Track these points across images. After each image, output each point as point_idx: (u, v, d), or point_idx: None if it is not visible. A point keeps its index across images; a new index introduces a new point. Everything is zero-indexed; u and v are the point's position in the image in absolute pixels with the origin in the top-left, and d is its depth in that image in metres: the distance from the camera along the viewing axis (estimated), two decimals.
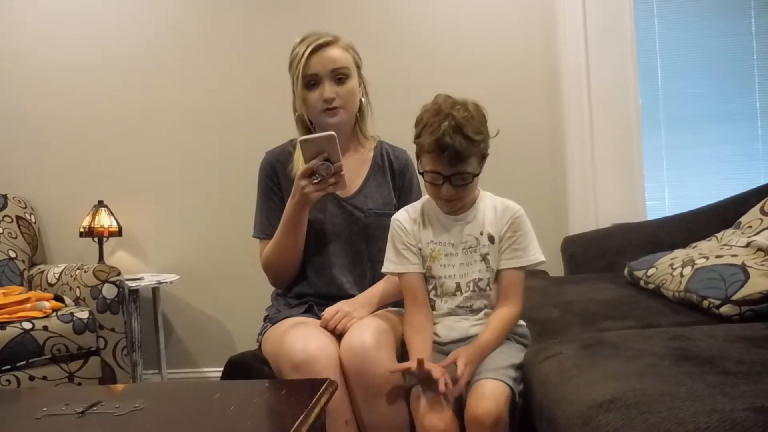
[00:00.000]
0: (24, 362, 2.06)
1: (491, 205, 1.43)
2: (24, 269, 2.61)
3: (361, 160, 1.67)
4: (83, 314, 2.20)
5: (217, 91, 2.82)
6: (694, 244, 1.94)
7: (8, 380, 2.02)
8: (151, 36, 2.85)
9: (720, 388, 0.92)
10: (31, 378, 2.07)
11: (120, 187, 2.84)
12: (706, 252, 1.74)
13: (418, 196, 1.61)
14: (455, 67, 2.69)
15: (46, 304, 2.20)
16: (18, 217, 2.70)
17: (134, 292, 2.58)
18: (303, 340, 1.37)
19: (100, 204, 2.69)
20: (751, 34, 2.69)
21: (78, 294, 2.32)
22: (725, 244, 1.80)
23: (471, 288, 1.41)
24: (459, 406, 1.26)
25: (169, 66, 2.84)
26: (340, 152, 1.45)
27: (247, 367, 1.56)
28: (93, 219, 2.66)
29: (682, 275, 1.67)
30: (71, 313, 2.19)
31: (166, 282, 2.65)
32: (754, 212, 1.87)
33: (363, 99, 1.65)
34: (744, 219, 1.90)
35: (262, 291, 1.75)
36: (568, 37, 2.57)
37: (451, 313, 1.42)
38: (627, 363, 1.10)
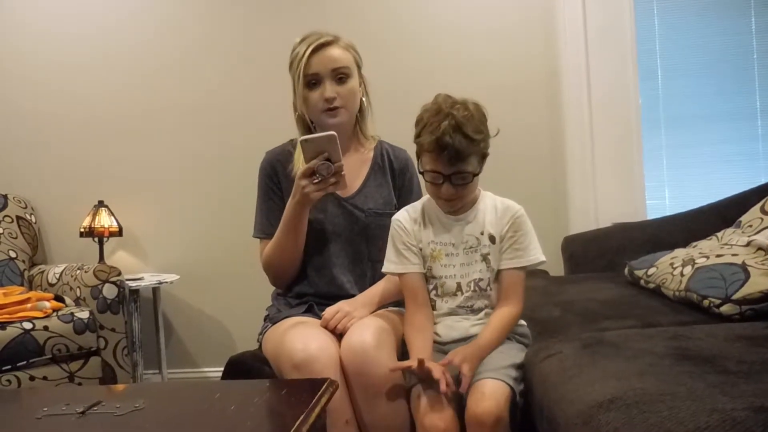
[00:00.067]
0: (24, 362, 2.06)
1: (492, 205, 1.43)
2: (24, 269, 2.61)
3: (361, 159, 1.67)
4: (84, 314, 2.20)
5: (217, 91, 2.82)
6: (694, 244, 1.94)
7: (9, 380, 2.02)
8: (151, 36, 2.85)
9: (720, 387, 0.92)
10: (32, 378, 2.07)
11: (120, 187, 2.84)
12: (707, 251, 1.74)
13: (419, 196, 1.61)
14: (455, 67, 2.69)
15: (47, 304, 2.20)
16: (18, 217, 2.70)
17: (135, 292, 2.58)
18: (303, 340, 1.37)
19: (101, 204, 2.69)
20: (751, 34, 2.69)
21: (78, 294, 2.32)
22: (725, 244, 1.80)
23: (472, 288, 1.41)
24: (459, 405, 1.26)
25: (169, 66, 2.84)
26: (341, 152, 1.45)
27: (247, 367, 1.56)
28: (93, 219, 2.66)
29: (682, 274, 1.67)
30: (72, 313, 2.19)
31: (166, 282, 2.65)
32: (755, 211, 1.87)
33: (363, 99, 1.65)
34: (744, 218, 1.90)
35: (263, 291, 1.75)
36: (568, 37, 2.57)
37: (451, 313, 1.42)
38: (627, 362, 1.10)
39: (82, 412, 1.06)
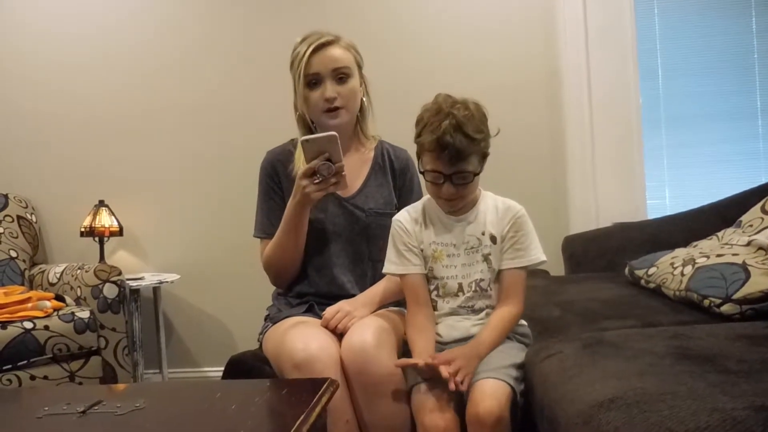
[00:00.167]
0: (25, 362, 2.07)
1: (492, 205, 1.43)
2: (25, 269, 2.61)
3: (361, 159, 1.67)
4: (84, 314, 2.20)
5: (217, 91, 2.83)
6: (694, 243, 1.94)
7: (9, 380, 2.03)
8: (151, 36, 2.85)
9: (721, 386, 0.92)
10: (32, 377, 2.07)
11: (121, 186, 2.84)
12: (707, 251, 1.74)
13: (419, 196, 1.61)
14: (455, 67, 2.69)
15: (47, 303, 2.20)
16: (19, 217, 2.70)
17: (135, 291, 2.58)
18: (304, 340, 1.37)
19: (101, 204, 2.70)
20: (752, 33, 2.69)
21: (79, 294, 2.32)
22: (726, 243, 1.80)
23: (473, 288, 1.41)
24: (460, 405, 1.26)
25: (169, 66, 2.84)
26: (341, 152, 1.45)
27: (247, 366, 1.56)
28: (94, 219, 2.66)
29: (682, 274, 1.67)
30: (72, 313, 2.19)
31: (166, 281, 2.65)
32: (755, 211, 1.87)
33: (364, 99, 1.65)
34: (745, 218, 1.90)
35: (263, 290, 1.75)
36: (568, 36, 2.57)
37: (452, 313, 1.42)
38: (628, 362, 1.10)
39: (83, 412, 1.06)
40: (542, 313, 1.68)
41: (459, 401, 1.27)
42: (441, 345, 1.40)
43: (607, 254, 2.34)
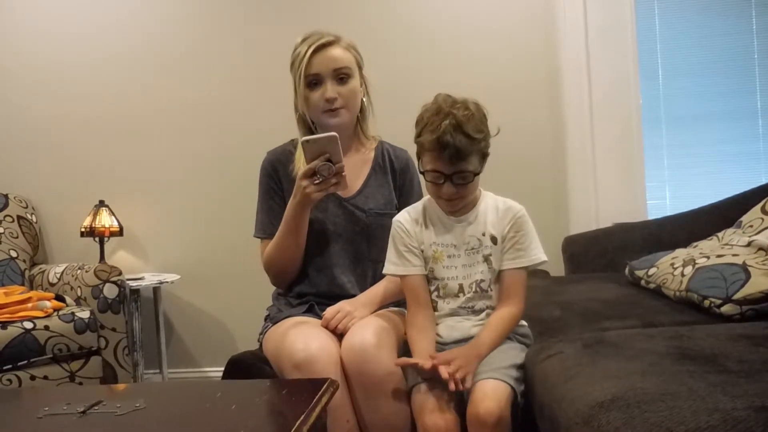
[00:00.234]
0: (25, 362, 2.07)
1: (493, 206, 1.43)
2: (25, 269, 2.61)
3: (362, 160, 1.67)
4: (84, 314, 2.20)
5: (217, 91, 2.83)
6: (695, 244, 1.94)
7: (9, 380, 2.03)
8: (152, 36, 2.85)
9: (721, 387, 0.92)
10: (33, 377, 2.07)
11: (121, 186, 2.84)
12: (707, 251, 1.74)
13: (420, 197, 1.61)
14: (455, 67, 2.69)
15: (48, 303, 2.20)
16: (19, 217, 2.70)
17: (135, 291, 2.58)
18: (304, 340, 1.37)
19: (101, 204, 2.70)
20: (752, 33, 2.69)
21: (79, 294, 2.32)
22: (726, 244, 1.80)
23: (473, 289, 1.40)
24: (460, 405, 1.26)
25: (169, 66, 2.84)
26: (342, 152, 1.45)
27: (248, 366, 1.56)
28: (94, 219, 2.66)
29: (683, 275, 1.67)
30: (72, 313, 2.19)
31: (167, 282, 2.65)
32: (755, 211, 1.87)
33: (364, 99, 1.65)
34: (745, 218, 1.89)
35: (263, 290, 1.75)
36: (568, 36, 2.57)
37: (452, 314, 1.42)
38: (628, 362, 1.10)
39: (83, 412, 1.06)
40: (542, 314, 1.68)
41: (459, 401, 1.27)
42: (441, 345, 1.40)
43: (607, 254, 2.34)
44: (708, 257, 1.68)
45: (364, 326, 1.41)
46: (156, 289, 2.71)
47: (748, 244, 1.67)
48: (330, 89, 1.56)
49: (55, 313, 2.17)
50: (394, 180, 1.67)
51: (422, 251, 1.43)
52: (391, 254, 1.46)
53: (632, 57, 2.55)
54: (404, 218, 1.46)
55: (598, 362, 1.13)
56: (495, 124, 1.39)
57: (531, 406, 1.29)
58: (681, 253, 1.83)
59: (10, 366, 2.04)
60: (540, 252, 1.41)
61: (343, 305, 1.50)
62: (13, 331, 2.04)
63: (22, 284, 2.53)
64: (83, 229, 2.67)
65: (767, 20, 2.68)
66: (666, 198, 2.74)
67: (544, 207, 2.61)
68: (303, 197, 1.48)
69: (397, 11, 2.77)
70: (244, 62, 2.81)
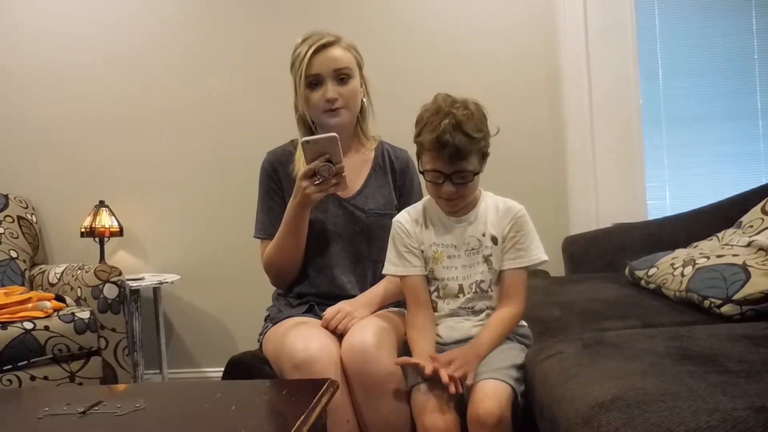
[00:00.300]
0: (25, 362, 2.06)
1: (493, 206, 1.43)
2: (25, 269, 2.61)
3: (362, 160, 1.67)
4: (84, 314, 2.20)
5: (217, 91, 2.82)
6: (695, 244, 1.94)
7: (9, 380, 2.03)
8: (151, 36, 2.85)
9: (721, 387, 0.92)
10: (33, 378, 2.07)
11: (121, 187, 2.84)
12: (707, 252, 1.74)
13: (420, 197, 1.61)
14: (455, 67, 2.69)
15: (48, 304, 2.20)
16: (19, 217, 2.70)
17: (135, 292, 2.58)
18: (304, 340, 1.37)
19: (101, 204, 2.70)
20: (752, 34, 2.69)
21: (79, 294, 2.32)
22: (726, 244, 1.80)
23: (473, 290, 1.40)
24: (460, 406, 1.26)
25: (169, 66, 2.84)
26: (342, 153, 1.45)
27: (248, 366, 1.56)
28: (94, 219, 2.66)
29: (683, 275, 1.67)
30: (72, 313, 2.19)
31: (167, 282, 2.65)
32: (755, 212, 1.87)
33: (364, 99, 1.65)
34: (745, 218, 1.89)
35: (263, 291, 1.75)
36: (568, 36, 2.57)
37: (452, 314, 1.42)
38: (628, 362, 1.10)
39: (83, 412, 1.06)
40: (542, 314, 1.68)
41: (459, 402, 1.27)
42: (441, 346, 1.40)
43: (607, 254, 2.34)
44: (708, 257, 1.68)
45: (364, 327, 1.41)
46: (156, 290, 2.70)
47: (748, 245, 1.67)
48: (330, 89, 1.56)
49: (55, 314, 2.17)
50: (394, 180, 1.67)
51: (422, 252, 1.43)
52: (391, 254, 1.45)
53: (632, 57, 2.55)
54: (404, 218, 1.46)
55: (598, 362, 1.13)
56: (495, 124, 1.39)
57: (531, 406, 1.29)
58: (681, 254, 1.83)
59: (10, 366, 2.03)
60: (540, 252, 1.41)
61: (343, 305, 1.50)
62: (13, 331, 2.04)
63: (22, 284, 2.53)
64: (83, 230, 2.67)
65: (767, 20, 2.68)
66: (666, 198, 2.74)
67: (544, 207, 2.61)
68: (303, 198, 1.48)
69: (397, 11, 2.77)
70: (244, 62, 2.81)
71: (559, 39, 2.60)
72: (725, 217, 2.07)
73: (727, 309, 1.48)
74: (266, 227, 1.64)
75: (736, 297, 1.47)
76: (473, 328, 1.39)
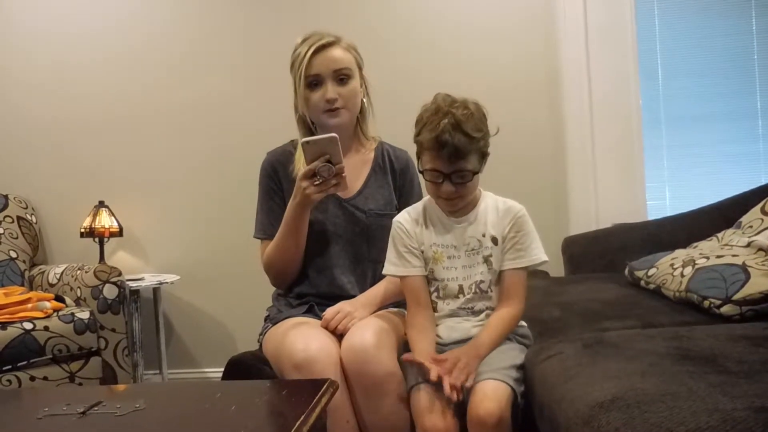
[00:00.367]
0: (25, 362, 2.06)
1: (493, 206, 1.43)
2: (25, 269, 2.61)
3: (362, 160, 1.67)
4: (84, 314, 2.20)
5: (217, 91, 2.82)
6: (694, 244, 1.94)
7: (9, 380, 2.03)
8: (151, 36, 2.85)
9: (721, 387, 0.92)
10: (32, 378, 2.07)
11: (121, 187, 2.84)
12: (707, 252, 1.74)
13: (420, 197, 1.61)
14: (455, 67, 2.69)
15: (47, 304, 2.20)
16: (19, 218, 2.70)
17: (135, 292, 2.58)
18: (304, 340, 1.37)
19: (101, 204, 2.69)
20: (752, 34, 2.69)
21: (79, 294, 2.32)
22: (726, 244, 1.80)
23: (473, 290, 1.40)
24: (460, 406, 1.26)
25: (169, 66, 2.84)
26: (342, 153, 1.45)
27: (247, 367, 1.56)
28: (94, 219, 2.66)
29: (682, 275, 1.67)
30: (72, 314, 2.19)
31: (166, 282, 2.65)
32: (755, 212, 1.87)
33: (364, 99, 1.65)
34: (745, 219, 1.89)
35: (263, 291, 1.75)
36: (568, 36, 2.57)
37: (452, 315, 1.42)
38: (628, 362, 1.10)
39: (83, 413, 1.06)
40: (542, 314, 1.68)
41: (459, 402, 1.27)
42: (441, 346, 1.40)
43: (607, 255, 2.34)
44: (708, 258, 1.68)
45: (364, 327, 1.41)
46: (156, 290, 2.70)
47: (748, 245, 1.67)
48: (330, 90, 1.56)
49: (55, 314, 2.17)
50: (394, 180, 1.67)
51: (422, 252, 1.43)
52: (391, 255, 1.45)
53: (632, 57, 2.55)
54: (404, 219, 1.46)
55: (598, 363, 1.13)
56: (495, 124, 1.39)
57: (531, 406, 1.29)
58: (681, 254, 1.83)
59: (9, 367, 2.03)
60: (541, 252, 1.41)
61: (343, 306, 1.50)
62: (13, 331, 2.04)
63: (22, 285, 2.53)
64: (83, 230, 2.67)
65: (767, 21, 2.68)
66: (666, 198, 2.74)
67: (544, 207, 2.61)
68: (303, 198, 1.48)
69: (397, 11, 2.77)
70: (244, 62, 2.81)
71: (559, 39, 2.60)
72: (725, 217, 2.07)
73: (726, 309, 1.48)
74: (266, 227, 1.64)
75: (735, 297, 1.47)
76: (473, 328, 1.39)
